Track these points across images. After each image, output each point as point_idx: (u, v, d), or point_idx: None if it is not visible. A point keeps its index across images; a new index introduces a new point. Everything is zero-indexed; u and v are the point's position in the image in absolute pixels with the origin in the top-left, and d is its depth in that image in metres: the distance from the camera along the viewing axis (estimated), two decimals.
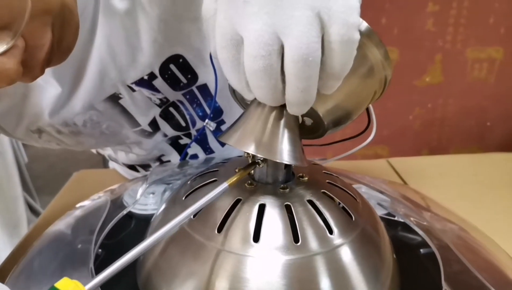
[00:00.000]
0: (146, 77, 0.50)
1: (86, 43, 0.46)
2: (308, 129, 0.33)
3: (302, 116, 0.31)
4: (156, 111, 0.56)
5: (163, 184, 0.47)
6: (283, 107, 0.29)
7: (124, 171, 0.71)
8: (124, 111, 0.53)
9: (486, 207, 0.59)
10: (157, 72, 0.50)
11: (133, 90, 0.51)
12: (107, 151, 0.67)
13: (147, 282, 0.31)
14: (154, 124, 0.57)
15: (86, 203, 0.44)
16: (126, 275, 0.34)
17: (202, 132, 0.61)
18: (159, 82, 0.51)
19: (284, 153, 0.29)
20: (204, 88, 0.56)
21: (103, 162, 1.79)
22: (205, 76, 0.54)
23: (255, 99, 0.29)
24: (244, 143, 0.29)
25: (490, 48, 1.29)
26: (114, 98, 0.51)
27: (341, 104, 0.30)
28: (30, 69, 0.30)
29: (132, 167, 0.68)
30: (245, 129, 0.30)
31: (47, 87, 0.48)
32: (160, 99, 0.54)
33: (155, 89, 0.52)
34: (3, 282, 0.32)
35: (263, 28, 0.23)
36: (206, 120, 0.47)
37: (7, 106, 0.48)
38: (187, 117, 0.59)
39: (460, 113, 1.69)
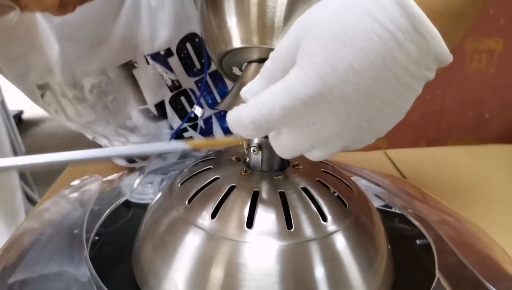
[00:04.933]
0: (162, 52, 0.50)
1: (119, 2, 0.47)
2: None
3: None
4: (165, 93, 0.55)
5: (161, 174, 0.47)
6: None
7: (121, 162, 0.71)
8: (135, 83, 0.53)
9: (482, 199, 0.59)
10: (174, 50, 0.51)
11: (148, 63, 0.51)
12: (104, 141, 0.67)
13: (143, 271, 0.31)
14: (161, 108, 0.57)
15: (76, 183, 0.44)
16: (122, 265, 0.34)
17: (208, 121, 0.61)
18: (174, 61, 0.52)
19: None
20: (216, 75, 0.56)
21: None
22: None
23: (246, 65, 0.30)
24: (222, 104, 0.29)
25: (489, 39, 1.29)
26: (129, 67, 0.51)
27: None
28: (64, 4, 0.31)
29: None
30: (232, 93, 0.30)
31: (62, 41, 0.47)
32: (172, 81, 0.54)
33: (169, 68, 0.52)
34: None
35: None
36: (195, 105, 0.49)
37: (15, 51, 0.48)
38: (196, 107, 0.59)
39: (459, 105, 1.69)
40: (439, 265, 0.32)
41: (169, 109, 0.57)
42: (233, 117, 0.25)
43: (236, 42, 0.28)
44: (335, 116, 0.23)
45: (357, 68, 0.21)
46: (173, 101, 0.57)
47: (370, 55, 0.21)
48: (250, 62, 0.30)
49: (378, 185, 0.45)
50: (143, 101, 0.55)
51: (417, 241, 0.39)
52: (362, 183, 0.48)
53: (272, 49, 0.28)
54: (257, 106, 0.24)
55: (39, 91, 0.51)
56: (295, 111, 0.22)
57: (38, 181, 1.77)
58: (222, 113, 0.61)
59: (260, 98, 0.24)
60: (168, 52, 0.51)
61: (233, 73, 0.33)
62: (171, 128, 0.60)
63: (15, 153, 1.56)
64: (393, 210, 0.44)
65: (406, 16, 0.20)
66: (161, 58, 0.51)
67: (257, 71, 0.29)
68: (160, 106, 0.56)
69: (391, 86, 0.22)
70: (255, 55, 0.29)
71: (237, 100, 0.29)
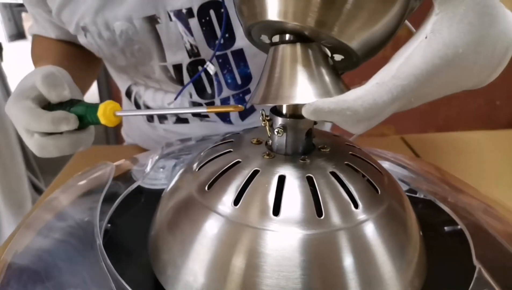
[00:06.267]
0: (184, 11, 0.51)
1: None
2: (340, 63, 0.30)
3: (332, 52, 0.29)
4: (184, 57, 0.55)
5: (173, 158, 0.45)
6: (295, 46, 0.27)
7: (140, 123, 0.70)
8: (157, 38, 0.53)
9: (506, 184, 0.57)
10: (195, 11, 0.51)
11: (171, 19, 0.52)
12: (139, 87, 0.66)
13: (160, 260, 0.30)
14: (179, 72, 0.57)
15: (88, 170, 0.42)
16: (137, 254, 0.33)
17: (226, 102, 0.61)
18: (194, 23, 0.52)
19: (294, 96, 0.26)
20: (239, 53, 0.56)
21: (106, 139, 1.77)
22: (242, 41, 0.54)
23: (273, 48, 0.28)
24: (255, 98, 0.28)
25: None
26: (152, 21, 0.52)
27: (373, 31, 0.26)
28: None
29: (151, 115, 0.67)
30: (261, 84, 0.28)
31: None
32: (191, 45, 0.54)
33: (189, 29, 0.53)
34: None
35: None
36: (207, 63, 0.50)
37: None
38: (215, 83, 0.58)
39: (469, 92, 1.66)
40: (477, 253, 0.29)
41: (186, 77, 0.57)
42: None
43: (272, 15, 0.26)
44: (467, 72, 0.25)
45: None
46: (191, 69, 0.57)
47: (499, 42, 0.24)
48: (280, 41, 0.28)
49: (404, 167, 0.43)
50: (164, 58, 0.56)
51: (445, 228, 0.37)
52: (384, 166, 0.46)
53: (306, 28, 0.25)
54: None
55: (82, 32, 0.54)
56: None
57: (44, 171, 1.77)
58: (241, 95, 0.59)
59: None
60: (190, 12, 0.51)
61: (260, 40, 0.30)
62: (190, 96, 0.60)
63: (21, 141, 1.55)
64: (417, 195, 0.42)
65: None
66: (182, 16, 0.51)
67: (285, 55, 0.27)
68: (178, 68, 0.57)
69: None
70: (289, 29, 0.27)
71: (271, 90, 0.27)
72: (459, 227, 0.36)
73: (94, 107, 0.37)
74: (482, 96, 1.83)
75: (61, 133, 0.39)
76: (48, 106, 0.40)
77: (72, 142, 0.39)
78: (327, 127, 0.74)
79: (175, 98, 0.57)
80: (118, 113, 0.37)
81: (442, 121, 1.89)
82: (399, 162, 0.44)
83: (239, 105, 0.33)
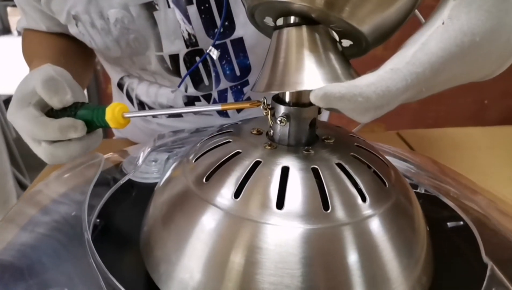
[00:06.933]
0: None
1: None
2: (348, 49, 0.28)
3: (340, 37, 0.27)
4: (182, 47, 0.53)
5: (166, 151, 0.43)
6: (301, 29, 0.25)
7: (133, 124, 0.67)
8: (155, 26, 0.51)
9: (502, 179, 0.56)
10: None
11: (169, 6, 0.50)
12: (133, 79, 0.63)
13: (153, 256, 0.28)
14: (175, 63, 0.55)
15: (77, 163, 0.40)
16: (129, 251, 0.31)
17: (223, 95, 0.59)
18: (193, 11, 0.50)
19: (301, 82, 0.25)
20: (238, 43, 0.54)
21: None
22: (242, 29, 0.53)
23: (276, 31, 0.26)
24: (259, 86, 0.26)
25: None
26: (150, 8, 0.50)
27: (386, 15, 0.25)
28: None
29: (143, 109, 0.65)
30: (265, 70, 0.26)
31: None
32: (189, 34, 0.52)
33: (187, 17, 0.51)
34: None
35: None
36: (210, 47, 0.49)
37: None
38: (213, 74, 0.56)
39: (458, 91, 1.68)
40: (486, 249, 0.28)
41: (182, 68, 0.55)
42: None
43: None
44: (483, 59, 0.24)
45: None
46: (188, 60, 0.55)
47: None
48: (285, 24, 0.27)
49: (404, 160, 0.42)
50: (160, 48, 0.54)
51: (448, 223, 0.36)
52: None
53: (315, 9, 0.24)
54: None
55: (73, 21, 0.52)
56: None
57: (30, 168, 1.73)
58: (239, 87, 0.57)
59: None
60: None
61: (264, 22, 0.29)
62: (185, 90, 0.58)
63: (5, 137, 1.51)
64: (418, 190, 0.40)
65: None
66: (181, 3, 0.50)
67: (290, 39, 0.26)
68: (175, 59, 0.55)
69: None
70: (295, 10, 0.25)
71: (276, 77, 0.25)
72: (461, 222, 0.35)
73: (100, 110, 0.36)
74: (471, 95, 1.84)
75: (69, 139, 0.37)
76: (51, 110, 0.38)
77: (81, 147, 0.37)
78: (324, 118, 0.73)
79: (178, 86, 0.56)
80: (127, 115, 0.35)
81: (432, 119, 1.90)
82: (399, 155, 0.43)
83: (256, 101, 0.31)
